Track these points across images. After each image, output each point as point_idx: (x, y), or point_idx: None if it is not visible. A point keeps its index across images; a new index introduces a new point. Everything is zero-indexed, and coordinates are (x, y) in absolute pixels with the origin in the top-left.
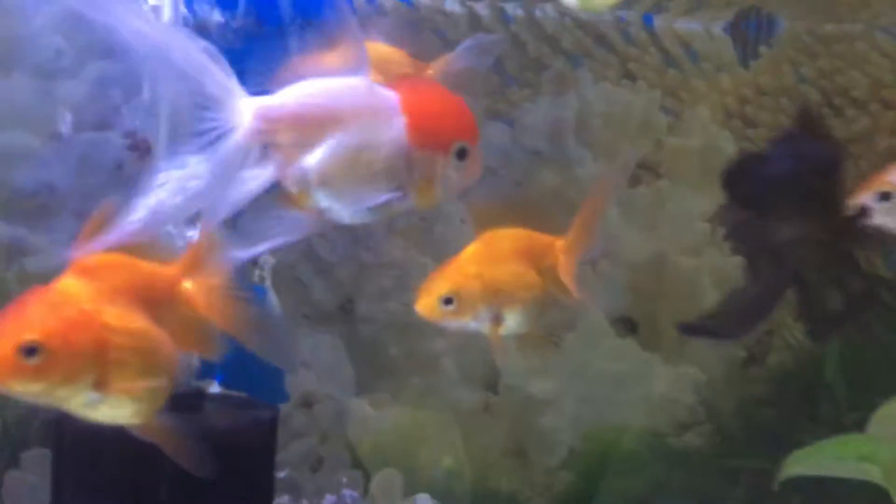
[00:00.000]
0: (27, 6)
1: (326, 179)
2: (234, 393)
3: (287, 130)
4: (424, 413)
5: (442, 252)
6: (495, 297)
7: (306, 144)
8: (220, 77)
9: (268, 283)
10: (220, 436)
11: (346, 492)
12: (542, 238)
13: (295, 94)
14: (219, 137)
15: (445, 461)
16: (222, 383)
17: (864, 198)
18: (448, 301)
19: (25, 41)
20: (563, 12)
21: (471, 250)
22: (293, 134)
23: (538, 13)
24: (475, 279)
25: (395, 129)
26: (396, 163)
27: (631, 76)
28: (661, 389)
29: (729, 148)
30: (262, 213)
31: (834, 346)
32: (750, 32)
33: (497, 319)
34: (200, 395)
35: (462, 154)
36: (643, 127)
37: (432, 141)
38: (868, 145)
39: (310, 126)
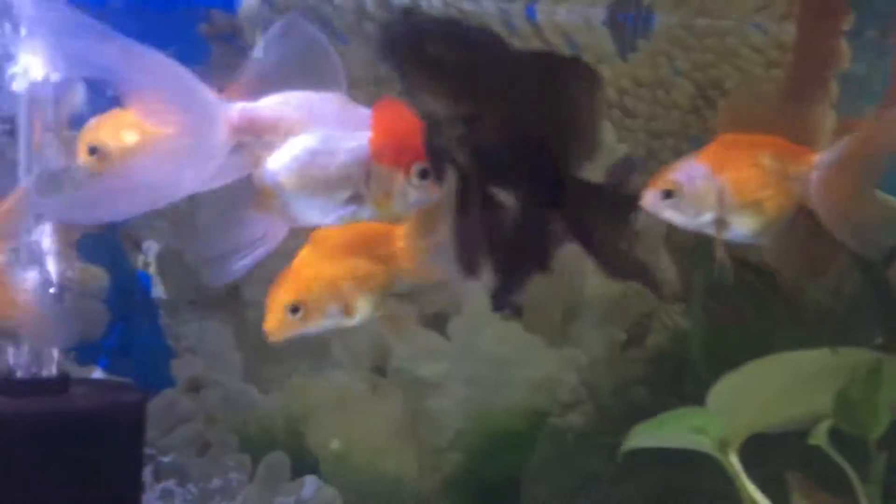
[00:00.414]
0: None
1: (293, 181)
2: (111, 378)
3: (264, 132)
4: (312, 396)
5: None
6: (338, 293)
7: (278, 146)
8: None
9: (152, 269)
10: (83, 418)
11: (233, 475)
12: (377, 228)
13: (275, 101)
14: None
15: (333, 444)
16: (105, 368)
17: (649, 197)
18: (295, 310)
19: None
20: (449, 3)
21: (303, 255)
22: (270, 136)
23: (423, 4)
24: (314, 281)
25: (360, 142)
26: (356, 173)
27: None
28: (544, 371)
29: (609, 138)
30: (231, 220)
31: (699, 328)
32: (628, 25)
33: (348, 311)
34: (65, 379)
35: (423, 174)
36: None
37: (391, 158)
38: None
39: (284, 130)
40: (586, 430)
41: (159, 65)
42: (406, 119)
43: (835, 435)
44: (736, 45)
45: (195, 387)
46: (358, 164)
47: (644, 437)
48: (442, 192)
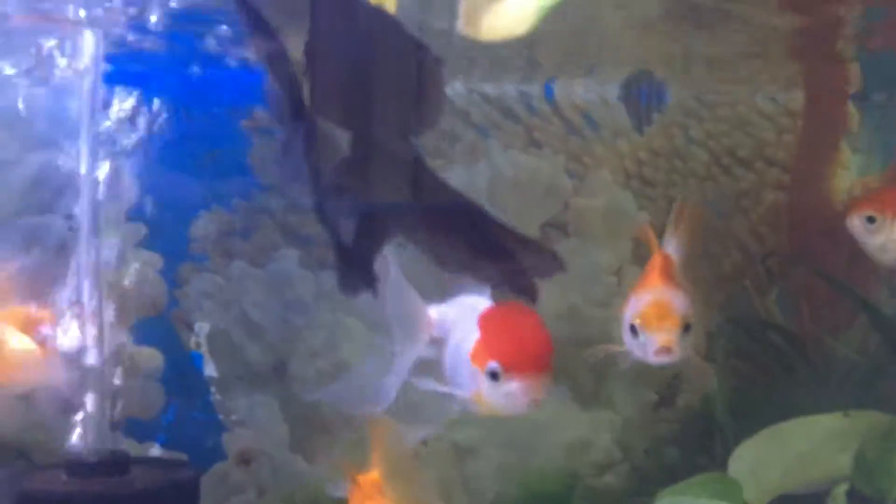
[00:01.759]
0: None
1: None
2: (167, 456)
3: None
4: (356, 466)
5: (367, 313)
6: None
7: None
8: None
9: (203, 348)
10: (143, 498)
11: None
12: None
13: (458, 306)
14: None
15: None
16: (163, 444)
17: (854, 221)
18: None
19: None
20: (472, 88)
21: None
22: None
23: (448, 90)
24: None
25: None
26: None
27: (537, 144)
28: (578, 433)
29: (630, 206)
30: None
31: (725, 389)
32: (642, 100)
33: None
34: (126, 459)
35: (493, 376)
36: (550, 190)
37: (480, 360)
38: (756, 199)
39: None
40: (622, 490)
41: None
42: (516, 320)
43: (854, 497)
44: (747, 113)
45: (245, 459)
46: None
47: (670, 503)
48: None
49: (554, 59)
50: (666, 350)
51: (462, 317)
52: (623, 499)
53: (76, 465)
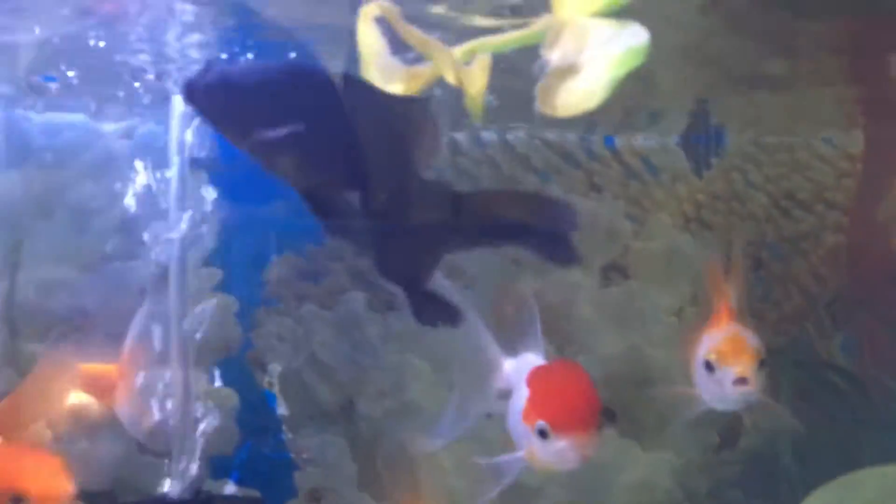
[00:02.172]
0: (65, 157)
1: None
2: (248, 491)
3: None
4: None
5: (434, 354)
6: None
7: None
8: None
9: (276, 388)
10: None
11: None
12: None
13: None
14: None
15: None
16: (237, 482)
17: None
18: None
19: (64, 187)
20: (533, 134)
21: None
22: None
23: (510, 136)
24: None
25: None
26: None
27: (597, 188)
28: (640, 475)
29: (689, 248)
30: None
31: (789, 432)
32: (701, 145)
33: None
34: (210, 498)
35: (544, 435)
36: (610, 233)
37: (528, 418)
38: (816, 242)
39: None
40: None
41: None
42: (561, 379)
43: None
44: (806, 157)
45: (316, 497)
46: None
47: None
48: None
49: (614, 115)
50: (743, 381)
51: (521, 373)
52: None
53: (163, 503)
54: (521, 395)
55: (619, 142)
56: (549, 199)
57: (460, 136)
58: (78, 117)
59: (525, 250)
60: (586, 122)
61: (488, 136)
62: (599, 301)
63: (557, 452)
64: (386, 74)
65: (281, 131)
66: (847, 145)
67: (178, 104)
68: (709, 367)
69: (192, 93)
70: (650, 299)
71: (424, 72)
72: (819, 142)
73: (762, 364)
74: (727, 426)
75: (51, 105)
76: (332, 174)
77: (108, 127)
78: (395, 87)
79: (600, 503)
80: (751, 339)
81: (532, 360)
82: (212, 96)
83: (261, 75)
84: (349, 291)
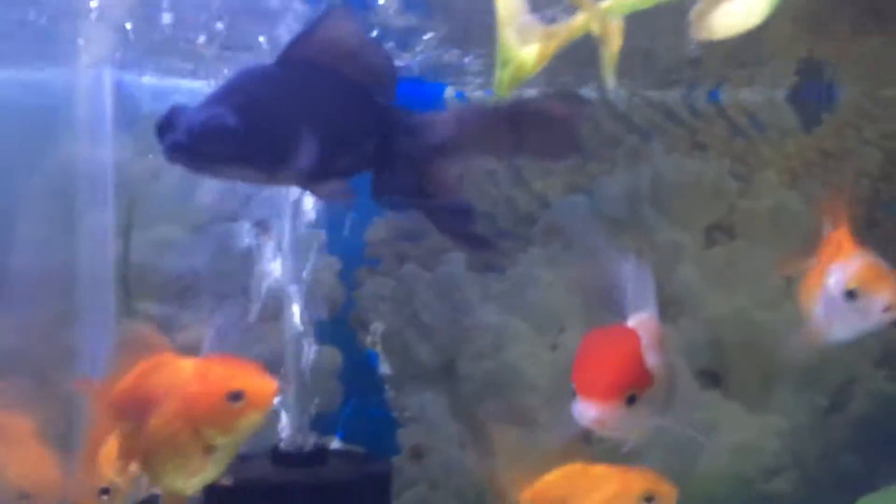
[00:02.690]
0: None
1: None
2: (353, 447)
3: None
4: (523, 463)
5: (532, 315)
6: None
7: None
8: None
9: (379, 347)
10: (342, 488)
11: None
12: None
13: None
14: None
15: None
16: (342, 438)
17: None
18: None
19: None
20: (634, 92)
21: None
22: None
23: (611, 94)
24: None
25: None
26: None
27: (700, 146)
28: (747, 437)
29: (797, 207)
30: None
31: None
32: (811, 100)
33: None
34: (324, 451)
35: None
36: (714, 192)
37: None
38: None
39: None
40: (792, 496)
41: None
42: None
43: None
44: None
45: (418, 454)
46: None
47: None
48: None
49: (720, 66)
50: (892, 307)
51: None
52: (794, 503)
53: (281, 456)
54: None
55: (724, 97)
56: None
57: None
58: (185, 82)
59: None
60: (690, 77)
61: (587, 94)
62: (703, 262)
63: (580, 415)
64: (523, 34)
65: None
66: None
67: None
68: (851, 295)
69: (181, 152)
70: (756, 260)
71: (561, 31)
72: None
73: None
74: (837, 390)
75: (160, 70)
76: (335, 156)
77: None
78: (532, 48)
79: (704, 466)
80: (886, 266)
81: (644, 320)
82: (202, 149)
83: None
84: (449, 252)
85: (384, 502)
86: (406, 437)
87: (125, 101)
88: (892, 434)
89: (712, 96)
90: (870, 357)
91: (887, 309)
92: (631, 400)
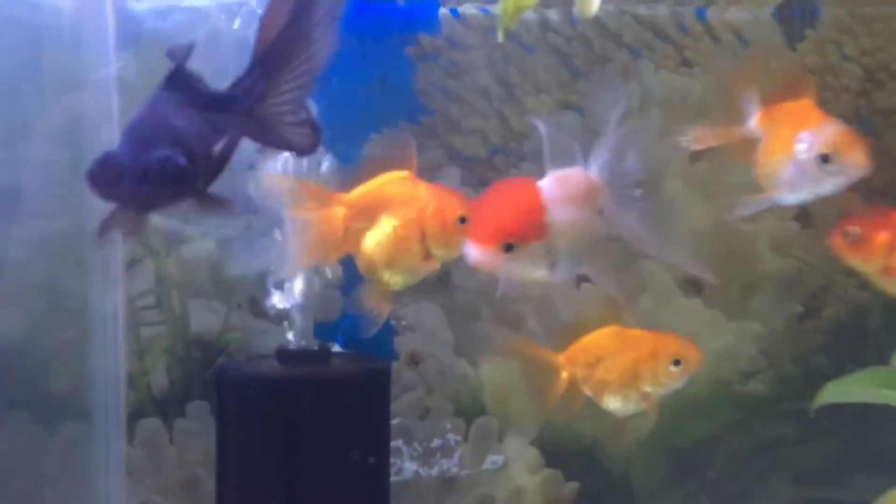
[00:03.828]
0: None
1: None
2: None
3: None
4: (514, 367)
5: None
6: None
7: None
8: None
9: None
10: (346, 382)
11: (450, 436)
12: None
13: None
14: None
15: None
16: (342, 345)
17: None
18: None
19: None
20: (623, 10)
21: None
22: None
23: (600, 13)
24: None
25: None
26: None
27: (688, 63)
28: (726, 343)
29: None
30: None
31: (879, 298)
32: (795, 17)
33: None
34: (328, 352)
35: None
36: (701, 108)
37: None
38: None
39: None
40: (766, 396)
41: None
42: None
43: None
44: None
45: (415, 360)
46: None
47: (834, 394)
48: None
49: None
50: (867, 167)
51: None
52: (769, 403)
53: (287, 355)
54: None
55: (712, 15)
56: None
57: (551, 13)
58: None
59: None
60: None
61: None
62: (688, 176)
63: (467, 256)
64: None
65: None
66: None
67: None
68: (825, 159)
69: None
70: (738, 174)
71: None
72: None
73: None
74: (811, 296)
75: None
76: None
77: (213, 6)
78: None
79: None
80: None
81: (565, 175)
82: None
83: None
84: (444, 167)
85: (384, 396)
86: (403, 344)
87: (126, 19)
88: (860, 336)
89: (700, 14)
90: (843, 266)
91: (860, 169)
92: (508, 248)
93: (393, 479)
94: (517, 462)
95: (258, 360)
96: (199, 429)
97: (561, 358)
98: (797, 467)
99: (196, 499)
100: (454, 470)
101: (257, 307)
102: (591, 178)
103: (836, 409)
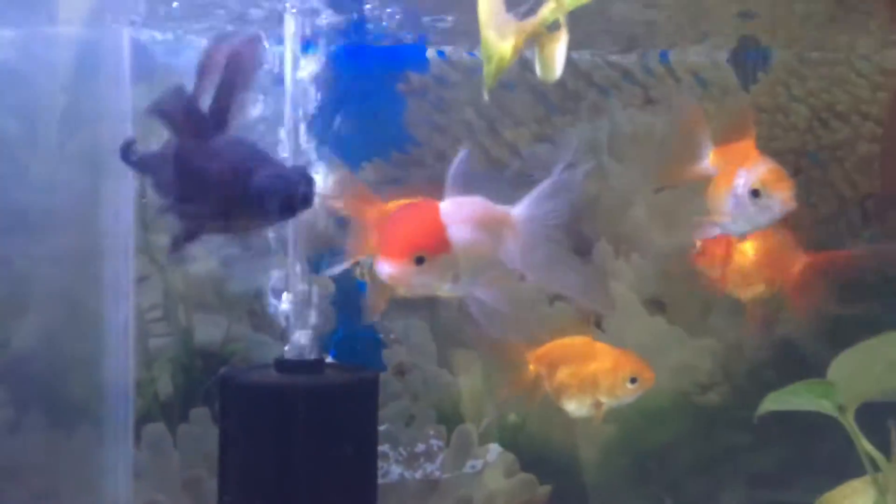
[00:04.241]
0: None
1: None
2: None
3: None
4: (492, 378)
5: None
6: None
7: None
8: None
9: (367, 278)
10: (338, 390)
11: (433, 442)
12: None
13: None
14: None
15: (511, 417)
16: (334, 356)
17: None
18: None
19: None
20: (595, 53)
21: None
22: None
23: (574, 55)
24: None
25: None
26: None
27: (652, 101)
28: (686, 357)
29: None
30: None
31: (823, 320)
32: (749, 62)
33: None
34: (322, 362)
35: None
36: (664, 142)
37: None
38: (851, 150)
39: None
40: (722, 406)
41: None
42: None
43: None
44: (845, 73)
45: (401, 371)
46: None
47: (775, 402)
48: None
49: (669, 31)
50: (792, 203)
51: None
52: (724, 412)
53: (284, 365)
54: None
55: (673, 57)
56: None
57: (529, 54)
58: (197, 39)
59: None
60: (645, 40)
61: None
62: (652, 205)
63: (380, 273)
64: (501, 32)
65: None
66: (883, 62)
67: (290, 23)
68: (755, 194)
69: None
70: (697, 203)
71: (530, 24)
72: (857, 58)
73: None
74: (763, 317)
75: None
76: None
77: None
78: (508, 42)
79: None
80: (785, 171)
81: (461, 201)
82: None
83: None
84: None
85: (373, 404)
86: (391, 356)
87: (140, 56)
88: (805, 352)
89: (663, 57)
90: None
91: (785, 205)
92: (419, 261)
93: (380, 481)
94: (494, 466)
95: (258, 370)
96: (200, 433)
97: (531, 355)
98: (750, 471)
99: (198, 497)
100: (436, 473)
101: (257, 320)
102: (489, 205)
103: (784, 418)
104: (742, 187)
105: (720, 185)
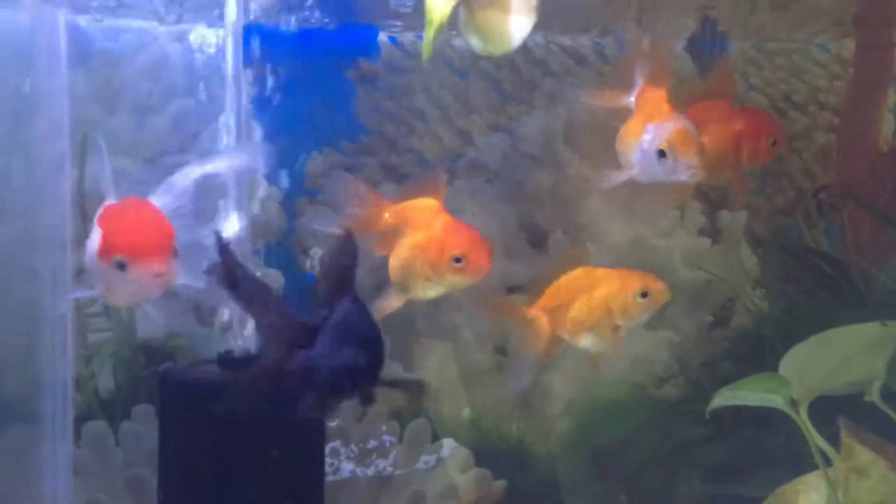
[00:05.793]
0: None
1: None
2: None
3: None
4: (447, 373)
5: None
6: None
7: None
8: None
9: (316, 270)
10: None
11: (386, 438)
12: None
13: None
14: None
15: (466, 412)
16: None
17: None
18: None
19: (124, 86)
20: (550, 40)
21: None
22: None
23: (529, 42)
24: None
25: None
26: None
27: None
28: (643, 350)
29: None
30: None
31: (776, 309)
32: (706, 50)
33: None
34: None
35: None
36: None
37: (104, 256)
38: (808, 140)
39: None
40: (678, 399)
41: None
42: None
43: (887, 394)
44: (802, 62)
45: (369, 397)
46: None
47: (727, 398)
48: None
49: (627, 17)
50: (694, 169)
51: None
52: (680, 405)
53: (226, 362)
54: (95, 236)
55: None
56: None
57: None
58: (136, 22)
59: None
60: (600, 27)
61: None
62: (609, 195)
63: (136, 282)
64: None
65: None
66: (839, 51)
67: (232, 8)
68: (662, 154)
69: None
70: (654, 194)
71: None
72: (814, 48)
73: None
74: (721, 307)
75: (111, 12)
76: None
77: (162, 30)
78: (448, 5)
79: (607, 374)
80: (695, 132)
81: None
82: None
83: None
84: (382, 184)
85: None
86: None
87: (79, 40)
88: (762, 344)
89: (621, 46)
90: (749, 279)
91: (689, 170)
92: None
93: (331, 478)
94: (448, 461)
95: (200, 365)
96: (143, 430)
97: (532, 310)
98: (705, 464)
99: (140, 497)
100: (389, 469)
101: (201, 315)
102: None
103: (739, 410)
104: (648, 143)
105: (630, 132)
